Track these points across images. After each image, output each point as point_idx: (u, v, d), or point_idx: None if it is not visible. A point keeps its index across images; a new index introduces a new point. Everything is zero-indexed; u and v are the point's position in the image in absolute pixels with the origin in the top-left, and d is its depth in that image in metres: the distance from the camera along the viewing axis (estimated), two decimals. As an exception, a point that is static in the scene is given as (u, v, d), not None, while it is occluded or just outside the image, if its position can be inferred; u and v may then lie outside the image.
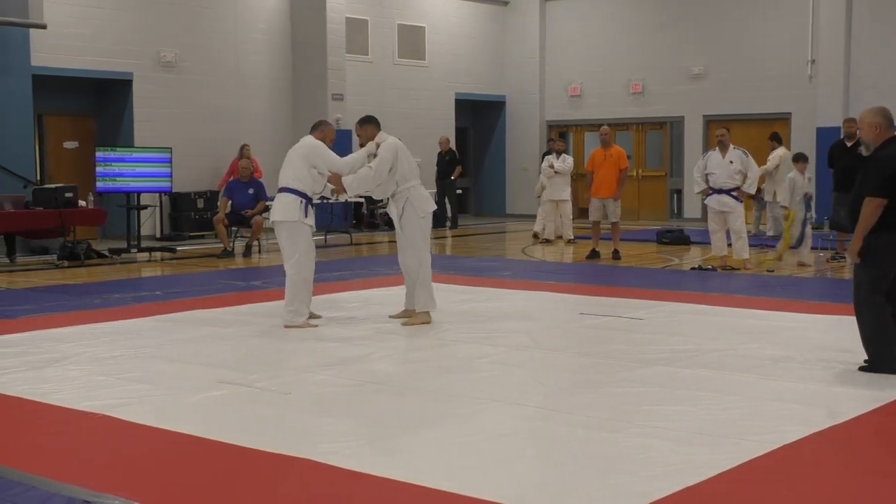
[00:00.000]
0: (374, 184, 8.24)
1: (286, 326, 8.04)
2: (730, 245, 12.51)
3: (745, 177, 12.15)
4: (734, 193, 12.12)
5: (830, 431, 5.02)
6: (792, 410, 5.40)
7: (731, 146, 12.26)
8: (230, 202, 14.64)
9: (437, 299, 8.40)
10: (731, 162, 12.09)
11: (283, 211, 8.12)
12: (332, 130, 8.48)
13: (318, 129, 8.45)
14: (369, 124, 8.44)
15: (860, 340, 6.37)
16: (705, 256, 13.62)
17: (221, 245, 14.55)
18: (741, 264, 12.26)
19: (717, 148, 12.36)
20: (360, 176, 8.20)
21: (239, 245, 14.83)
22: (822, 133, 18.65)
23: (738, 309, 8.96)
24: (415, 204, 8.25)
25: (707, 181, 12.27)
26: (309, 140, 8.31)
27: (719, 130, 12.43)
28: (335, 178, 8.25)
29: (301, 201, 8.10)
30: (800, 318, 8.47)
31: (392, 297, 8.53)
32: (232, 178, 15.50)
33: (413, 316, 8.28)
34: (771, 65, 19.92)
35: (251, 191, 14.71)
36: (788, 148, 18.98)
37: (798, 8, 19.61)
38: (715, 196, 12.20)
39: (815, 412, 5.35)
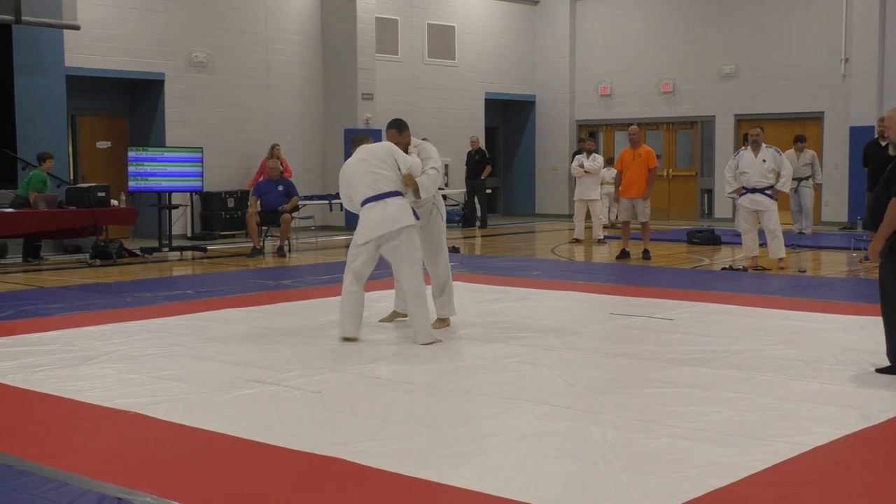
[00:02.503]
0: (438, 185, 7.91)
1: (424, 344, 7.35)
2: (762, 245, 12.43)
3: (778, 175, 12.07)
4: (768, 192, 12.04)
5: (863, 433, 4.98)
6: (823, 412, 5.36)
7: (764, 145, 12.18)
8: (260, 201, 14.69)
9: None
10: (764, 161, 12.01)
11: (405, 216, 7.44)
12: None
13: (404, 129, 7.96)
14: (407, 129, 8.00)
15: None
16: (736, 256, 13.54)
17: (251, 244, 14.62)
18: (774, 264, 12.18)
19: (746, 147, 12.28)
20: (430, 177, 7.76)
21: (270, 244, 14.87)
22: (855, 132, 18.50)
23: (769, 310, 8.90)
24: (441, 210, 8.22)
25: (738, 181, 12.20)
26: (387, 143, 7.79)
27: (753, 130, 12.33)
28: (410, 179, 7.64)
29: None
30: (832, 318, 8.40)
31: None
32: (262, 178, 15.55)
33: (442, 321, 8.08)
34: (803, 63, 19.77)
35: (281, 188, 14.78)
36: (819, 149, 18.86)
37: (831, 6, 19.45)
38: (748, 195, 12.12)
39: (847, 414, 5.31)
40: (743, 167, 12.13)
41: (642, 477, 4.27)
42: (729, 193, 12.96)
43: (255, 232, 14.49)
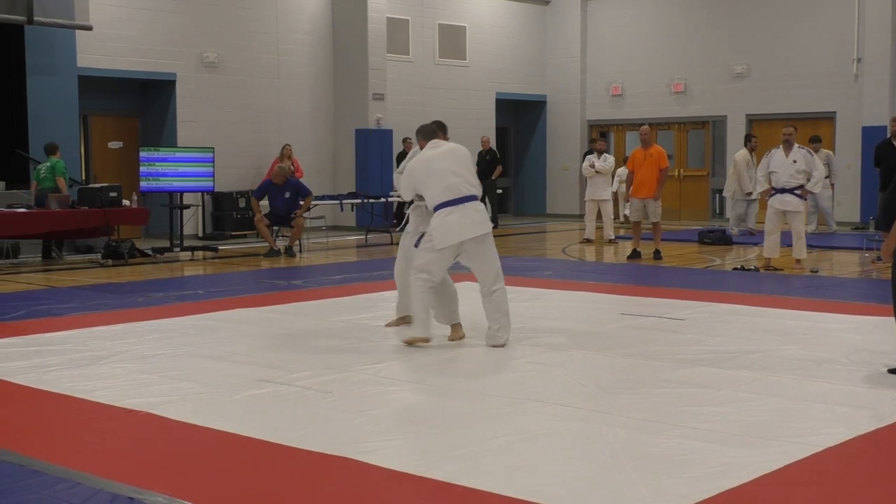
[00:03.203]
0: None
1: (495, 346, 7.28)
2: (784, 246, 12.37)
3: (808, 176, 12.00)
4: (797, 192, 11.96)
5: (875, 434, 4.96)
6: (836, 412, 5.35)
7: (797, 145, 12.10)
8: (269, 206, 14.56)
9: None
10: (795, 161, 11.93)
11: (487, 222, 7.33)
12: None
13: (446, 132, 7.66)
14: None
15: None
16: (747, 256, 13.51)
17: (265, 245, 14.60)
18: (786, 264, 12.14)
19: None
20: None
21: (280, 243, 14.86)
22: (867, 132, 18.44)
23: (780, 310, 8.88)
24: None
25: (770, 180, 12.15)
26: (460, 146, 7.55)
27: (786, 129, 12.21)
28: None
29: None
30: (844, 319, 8.38)
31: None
32: (266, 180, 15.31)
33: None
34: (815, 63, 19.71)
35: (287, 194, 14.52)
36: (832, 149, 18.81)
37: (843, 6, 19.38)
38: (777, 195, 12.05)
39: (859, 414, 5.29)
40: (773, 166, 12.06)
41: (653, 477, 4.26)
42: (759, 192, 12.85)
43: (267, 234, 14.41)
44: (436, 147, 7.42)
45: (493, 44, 22.25)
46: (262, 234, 14.61)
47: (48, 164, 13.93)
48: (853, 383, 6.04)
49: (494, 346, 7.26)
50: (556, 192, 23.47)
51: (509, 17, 22.62)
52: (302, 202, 14.60)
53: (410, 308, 7.46)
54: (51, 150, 14.00)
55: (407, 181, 7.48)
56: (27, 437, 5.04)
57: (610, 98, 22.67)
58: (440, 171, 7.25)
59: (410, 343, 7.24)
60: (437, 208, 7.22)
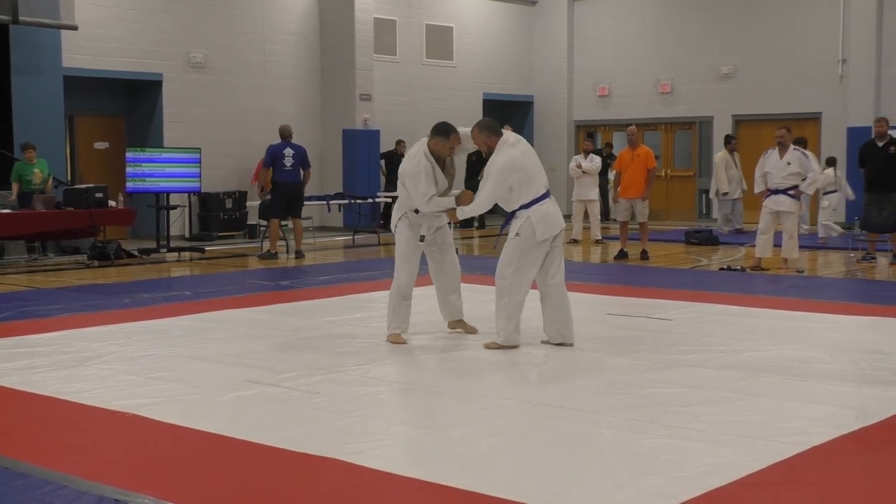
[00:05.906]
0: None
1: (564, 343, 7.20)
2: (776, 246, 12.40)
3: (803, 177, 12.02)
4: (791, 192, 11.99)
5: (861, 433, 4.99)
6: (822, 412, 5.37)
7: (791, 147, 12.12)
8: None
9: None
10: (789, 163, 11.96)
11: None
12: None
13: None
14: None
15: None
16: (734, 257, 13.54)
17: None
18: (772, 264, 12.17)
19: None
20: None
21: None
22: (852, 133, 18.51)
23: (767, 310, 8.91)
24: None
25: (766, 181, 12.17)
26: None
27: (779, 131, 12.22)
28: None
29: None
30: (830, 318, 8.41)
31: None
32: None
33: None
34: (801, 64, 19.79)
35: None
36: (817, 150, 18.87)
37: (829, 7, 19.46)
38: (772, 196, 12.07)
39: (845, 413, 5.31)
40: (768, 167, 12.09)
41: (640, 477, 4.27)
42: (756, 193, 12.93)
43: (276, 237, 14.31)
44: (516, 143, 7.24)
45: (480, 44, 22.25)
46: (272, 234, 14.32)
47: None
48: (839, 383, 6.07)
49: (563, 343, 7.17)
50: (543, 192, 23.46)
51: (496, 17, 22.63)
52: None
53: (499, 314, 7.16)
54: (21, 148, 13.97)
55: (508, 180, 7.13)
56: (13, 440, 5.02)
57: (597, 98, 22.70)
58: (537, 166, 7.25)
59: (492, 348, 7.12)
60: (530, 203, 7.09)
